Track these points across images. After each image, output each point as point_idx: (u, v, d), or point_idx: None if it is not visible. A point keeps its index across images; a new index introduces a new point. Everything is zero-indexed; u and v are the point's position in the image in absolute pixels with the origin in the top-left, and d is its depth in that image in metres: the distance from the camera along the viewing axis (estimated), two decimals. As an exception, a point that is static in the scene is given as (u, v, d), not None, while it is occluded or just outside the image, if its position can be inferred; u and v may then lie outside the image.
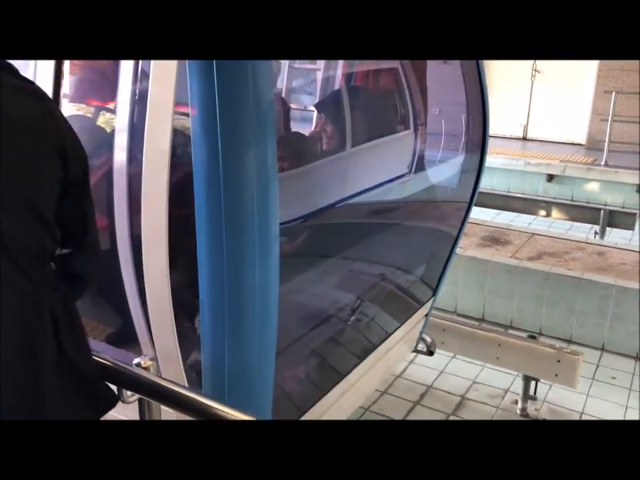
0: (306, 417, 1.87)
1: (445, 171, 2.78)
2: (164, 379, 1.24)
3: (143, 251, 1.28)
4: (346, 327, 2.22)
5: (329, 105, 2.35)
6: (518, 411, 2.78)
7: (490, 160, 3.03)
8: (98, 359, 1.16)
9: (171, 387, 1.14)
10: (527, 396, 2.75)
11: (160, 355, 1.38)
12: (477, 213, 3.80)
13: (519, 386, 2.81)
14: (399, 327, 2.40)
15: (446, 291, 3.18)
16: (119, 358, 1.20)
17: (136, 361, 1.23)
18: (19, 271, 0.91)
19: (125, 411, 1.24)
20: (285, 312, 1.75)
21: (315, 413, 1.91)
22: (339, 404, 2.06)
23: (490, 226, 4.19)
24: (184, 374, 1.38)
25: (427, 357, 2.66)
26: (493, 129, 2.58)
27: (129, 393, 1.20)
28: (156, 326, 1.36)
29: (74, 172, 0.99)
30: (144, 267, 1.29)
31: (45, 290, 0.95)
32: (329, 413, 1.98)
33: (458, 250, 2.89)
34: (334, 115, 2.26)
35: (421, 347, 2.67)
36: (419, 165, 2.58)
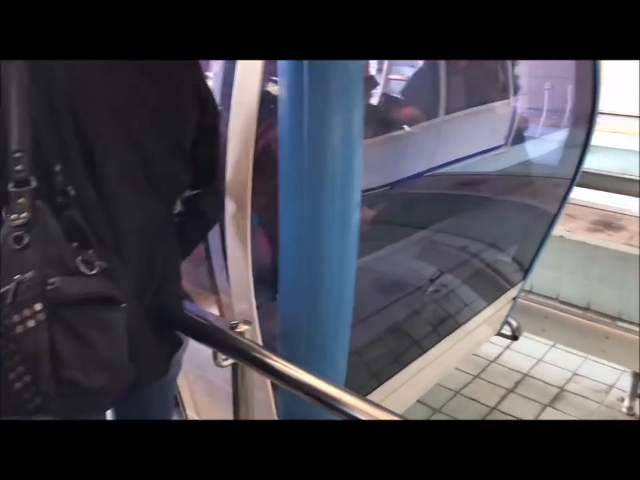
0: (381, 390, 1.86)
1: (544, 146, 2.61)
2: (259, 345, 1.24)
3: (226, 216, 1.30)
4: (429, 302, 2.18)
5: (423, 69, 2.26)
6: (624, 409, 2.62)
7: (603, 138, 2.79)
8: (194, 318, 1.18)
9: (266, 354, 1.13)
10: (635, 394, 2.57)
11: (238, 314, 1.41)
12: (587, 195, 3.53)
13: (626, 382, 2.64)
14: (485, 307, 2.32)
15: (548, 276, 3.03)
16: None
17: (232, 323, 1.22)
18: (170, 209, 1.06)
19: (219, 373, 1.25)
20: (367, 282, 1.75)
21: (391, 386, 1.90)
22: (416, 379, 2.03)
23: (601, 209, 3.85)
24: (260, 340, 1.40)
25: (524, 343, 2.55)
26: (608, 106, 2.37)
27: (222, 356, 1.20)
28: (236, 291, 1.38)
29: (208, 118, 1.07)
30: (226, 231, 1.31)
31: (167, 219, 1.10)
32: (405, 387, 1.96)
33: (564, 233, 2.72)
34: (428, 79, 2.17)
35: (506, 330, 2.57)
36: (517, 137, 2.44)
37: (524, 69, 2.43)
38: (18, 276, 0.82)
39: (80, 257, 0.88)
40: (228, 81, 1.28)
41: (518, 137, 2.46)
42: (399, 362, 2.00)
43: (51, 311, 0.82)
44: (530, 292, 2.98)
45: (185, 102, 1.03)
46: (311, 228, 1.25)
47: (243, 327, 1.20)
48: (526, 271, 2.49)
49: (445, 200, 2.15)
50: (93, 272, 0.89)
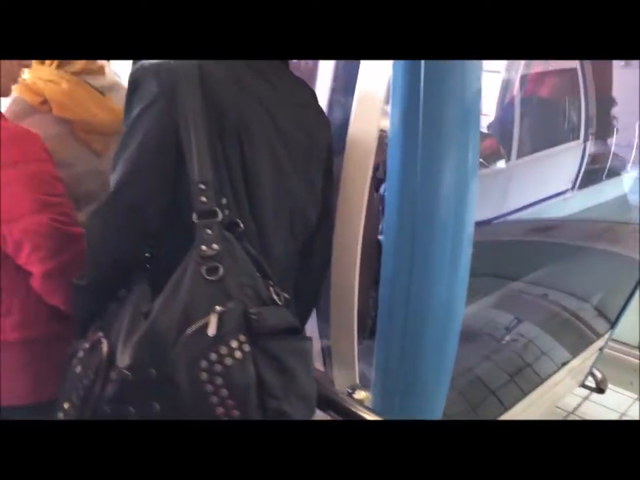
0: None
1: (621, 187, 2.52)
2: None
3: (334, 244, 1.24)
4: (510, 354, 2.06)
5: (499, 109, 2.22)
6: None
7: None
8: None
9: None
10: None
11: (336, 354, 1.32)
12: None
13: None
14: (571, 359, 2.18)
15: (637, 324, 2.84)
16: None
17: (349, 389, 1.18)
18: (297, 248, 1.05)
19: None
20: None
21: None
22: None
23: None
24: (357, 379, 1.32)
25: (605, 396, 2.38)
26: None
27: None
28: (337, 333, 1.30)
29: (330, 162, 1.08)
30: (333, 263, 1.25)
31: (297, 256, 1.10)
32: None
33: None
34: (502, 123, 2.13)
35: (589, 382, 2.40)
36: (591, 178, 2.36)
37: (594, 106, 2.38)
38: (219, 307, 0.80)
39: (272, 288, 0.88)
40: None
41: (592, 179, 2.38)
42: (479, 415, 1.87)
43: (254, 341, 0.81)
44: (617, 341, 2.81)
45: (321, 145, 1.04)
46: (419, 267, 1.18)
47: (361, 394, 1.17)
48: (614, 321, 2.35)
49: (521, 247, 2.08)
50: (281, 303, 0.89)
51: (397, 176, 1.16)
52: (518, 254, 2.02)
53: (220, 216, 0.86)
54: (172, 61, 0.87)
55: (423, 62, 1.07)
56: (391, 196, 1.18)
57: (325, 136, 1.05)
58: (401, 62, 1.08)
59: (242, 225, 0.90)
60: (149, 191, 0.88)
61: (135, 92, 0.88)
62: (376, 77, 1.10)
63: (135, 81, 0.88)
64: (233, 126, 0.90)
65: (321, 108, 1.06)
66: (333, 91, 1.35)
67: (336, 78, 1.31)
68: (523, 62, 2.22)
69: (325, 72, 1.31)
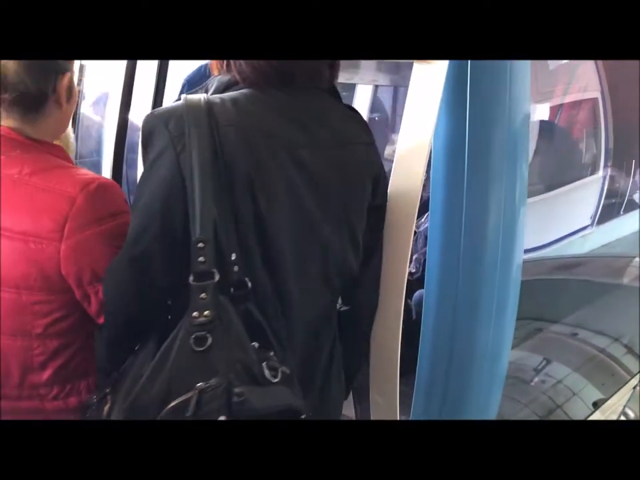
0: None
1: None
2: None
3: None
4: (539, 395, 1.98)
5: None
6: None
7: None
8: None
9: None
10: None
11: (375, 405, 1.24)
12: None
13: None
14: (602, 399, 2.09)
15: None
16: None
17: None
18: (337, 299, 0.97)
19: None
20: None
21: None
22: None
23: None
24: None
25: None
26: None
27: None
28: (378, 374, 1.22)
29: (379, 199, 1.00)
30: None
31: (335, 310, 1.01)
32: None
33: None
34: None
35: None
36: (607, 214, 2.32)
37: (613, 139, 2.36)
38: (201, 383, 0.75)
39: (265, 362, 0.81)
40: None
41: (610, 213, 2.34)
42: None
43: None
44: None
45: (361, 182, 0.96)
46: (464, 310, 1.12)
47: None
48: (647, 359, 2.27)
49: (546, 285, 2.02)
50: (277, 379, 0.81)
51: (440, 212, 1.12)
52: (542, 293, 1.96)
53: (216, 277, 0.80)
54: (182, 107, 0.84)
55: (468, 90, 1.04)
56: (434, 233, 1.13)
57: (371, 172, 0.97)
58: (445, 91, 1.03)
59: (249, 284, 0.84)
60: (160, 245, 0.83)
61: (147, 143, 0.85)
62: (423, 110, 1.04)
63: (146, 131, 0.85)
64: (244, 175, 0.84)
65: (371, 142, 0.98)
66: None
67: (373, 110, 1.27)
68: (540, 91, 2.21)
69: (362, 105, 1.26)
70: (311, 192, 0.89)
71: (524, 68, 1.08)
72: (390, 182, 1.05)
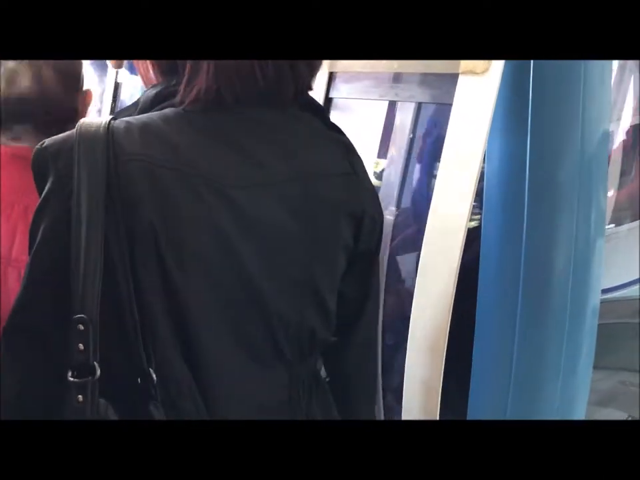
0: None
1: None
2: None
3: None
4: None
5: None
6: None
7: None
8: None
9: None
10: None
11: None
12: None
13: None
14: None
15: None
16: None
17: None
18: (278, 353, 0.75)
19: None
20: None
21: None
22: None
23: None
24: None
25: None
26: None
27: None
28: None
29: (366, 242, 0.80)
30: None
31: (303, 384, 0.78)
32: None
33: None
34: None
35: None
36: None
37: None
38: None
39: None
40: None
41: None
42: None
43: None
44: None
45: (332, 225, 0.75)
46: (523, 368, 0.96)
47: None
48: None
49: (628, 330, 1.78)
50: None
51: (495, 248, 0.96)
52: (625, 338, 1.75)
53: (97, 373, 0.63)
54: (74, 137, 0.66)
55: (530, 103, 0.88)
56: (487, 272, 0.97)
57: (351, 210, 0.76)
58: (501, 106, 0.89)
59: (154, 377, 0.65)
60: (49, 316, 0.66)
61: (37, 184, 0.68)
62: (471, 130, 0.89)
63: (35, 169, 0.68)
64: (146, 227, 0.65)
65: (351, 171, 0.77)
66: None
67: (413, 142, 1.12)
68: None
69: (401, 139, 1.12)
70: (249, 246, 0.70)
71: (603, 71, 0.92)
72: (430, 213, 0.90)
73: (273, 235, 0.70)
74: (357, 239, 0.77)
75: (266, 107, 0.72)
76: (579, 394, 1.02)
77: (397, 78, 1.04)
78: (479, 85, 0.87)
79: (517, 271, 0.94)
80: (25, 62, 0.89)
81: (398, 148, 1.16)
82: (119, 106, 1.75)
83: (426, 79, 0.99)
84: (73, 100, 0.94)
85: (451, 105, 0.93)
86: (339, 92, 1.11)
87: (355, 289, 0.80)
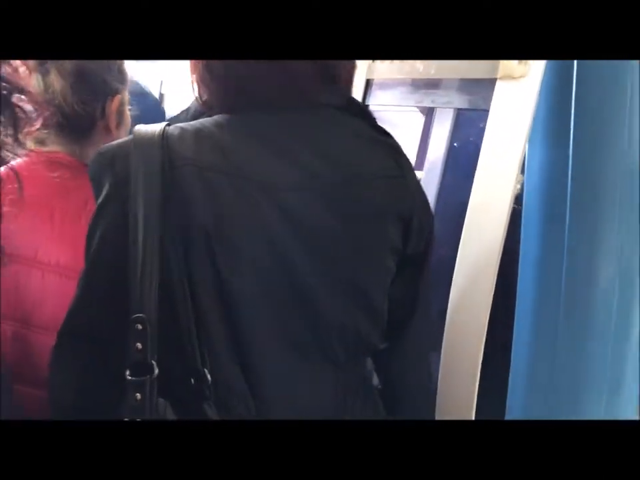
0: None
1: None
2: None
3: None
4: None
5: None
6: None
7: None
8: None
9: None
10: None
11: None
12: None
13: None
14: None
15: None
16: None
17: None
18: (327, 356, 0.75)
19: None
20: None
21: None
22: None
23: None
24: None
25: None
26: None
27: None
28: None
29: (415, 245, 0.78)
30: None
31: (350, 387, 0.78)
32: None
33: None
34: None
35: None
36: None
37: None
38: None
39: None
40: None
41: None
42: None
43: None
44: None
45: (380, 228, 0.75)
46: (564, 396, 0.92)
47: None
48: None
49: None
50: None
51: (533, 263, 0.93)
52: None
53: (155, 372, 0.64)
54: (130, 143, 0.69)
55: (572, 110, 0.85)
56: (525, 292, 0.94)
57: (398, 213, 0.75)
58: (541, 114, 0.86)
59: (209, 377, 0.67)
60: (106, 318, 0.69)
61: (94, 190, 0.71)
62: (508, 138, 0.85)
63: (91, 175, 0.71)
64: (200, 230, 0.67)
65: (398, 174, 0.76)
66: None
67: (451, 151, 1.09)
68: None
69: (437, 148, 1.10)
70: (298, 247, 0.71)
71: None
72: (464, 226, 0.87)
73: (322, 237, 0.71)
74: (405, 242, 0.76)
75: (308, 110, 0.73)
76: (625, 409, 0.96)
77: (433, 84, 1.01)
78: (517, 90, 0.84)
79: (558, 285, 0.90)
80: (36, 65, 0.87)
81: (435, 157, 1.13)
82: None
83: (463, 85, 0.97)
84: (91, 106, 0.91)
85: (488, 110, 0.90)
86: (376, 99, 1.10)
87: (404, 293, 0.79)
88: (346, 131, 0.76)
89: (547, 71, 0.83)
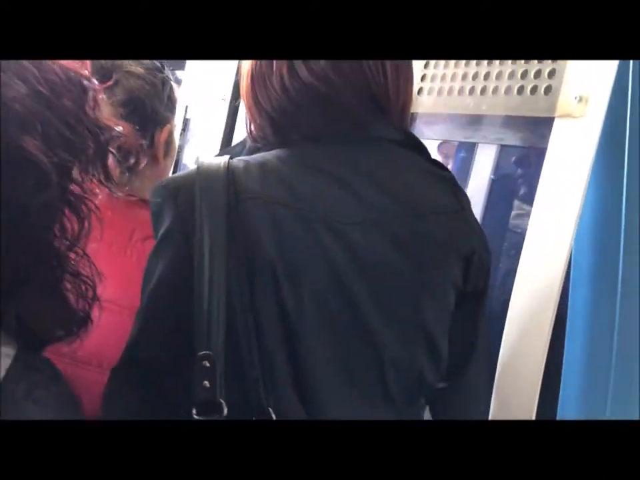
0: None
1: None
2: None
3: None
4: None
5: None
6: None
7: None
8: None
9: None
10: None
11: None
12: None
13: None
14: None
15: None
16: None
17: None
18: (386, 395, 0.74)
19: None
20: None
21: None
22: None
23: None
24: None
25: None
26: None
27: None
28: None
29: (474, 282, 0.77)
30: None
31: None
32: None
33: None
34: None
35: None
36: None
37: None
38: None
39: None
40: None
41: None
42: None
43: None
44: None
45: (442, 266, 0.73)
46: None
47: None
48: None
49: None
50: None
51: (585, 308, 0.88)
52: None
53: (225, 411, 0.63)
54: (195, 175, 0.69)
55: (627, 145, 0.83)
56: (574, 338, 0.88)
57: (460, 249, 0.75)
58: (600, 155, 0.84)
59: (273, 416, 0.65)
60: (164, 352, 0.68)
61: (155, 222, 0.70)
62: (569, 179, 0.83)
63: (153, 207, 0.70)
64: (266, 264, 0.66)
65: (459, 208, 0.76)
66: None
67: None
68: None
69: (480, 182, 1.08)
70: (361, 283, 0.69)
71: None
72: (519, 268, 0.85)
73: (385, 272, 0.71)
74: (465, 278, 0.75)
75: (365, 143, 0.73)
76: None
77: (481, 120, 1.00)
78: (577, 129, 0.82)
79: (609, 344, 0.87)
80: None
81: (476, 192, 1.12)
82: (186, 140, 1.77)
83: (513, 121, 0.96)
84: (141, 136, 0.90)
85: (538, 148, 0.89)
86: (420, 133, 1.09)
87: (463, 331, 0.78)
88: (404, 165, 0.75)
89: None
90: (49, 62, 0.51)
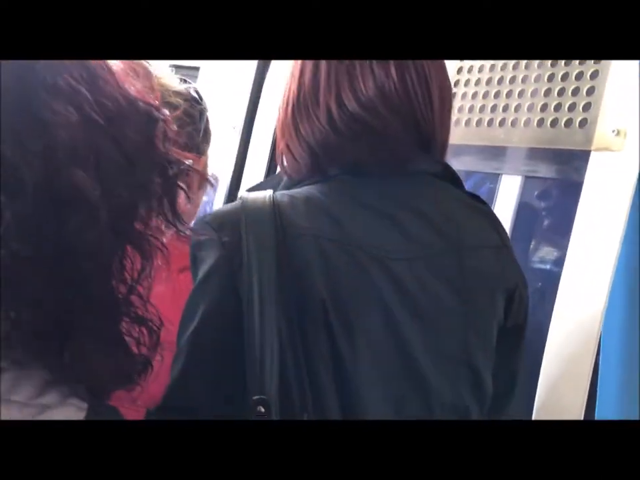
0: None
1: None
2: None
3: None
4: None
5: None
6: None
7: None
8: None
9: None
10: None
11: None
12: None
13: None
14: None
15: None
16: None
17: None
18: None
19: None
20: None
21: None
22: None
23: None
24: None
25: None
26: None
27: None
28: None
29: (515, 318, 0.76)
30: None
31: None
32: None
33: None
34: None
35: None
36: None
37: None
38: None
39: None
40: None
41: None
42: None
43: None
44: None
45: (488, 300, 0.72)
46: None
47: None
48: None
49: None
50: None
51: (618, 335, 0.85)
52: None
53: None
54: (239, 210, 0.66)
55: None
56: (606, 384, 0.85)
57: (503, 284, 0.74)
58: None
59: None
60: (208, 396, 0.65)
61: (196, 257, 0.67)
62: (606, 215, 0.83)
63: (194, 242, 0.67)
64: (317, 303, 0.64)
65: (502, 244, 0.75)
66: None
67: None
68: None
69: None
70: (410, 319, 0.68)
71: None
72: (557, 303, 0.84)
73: (433, 310, 0.69)
74: (507, 314, 0.74)
75: (405, 176, 0.72)
76: None
77: (509, 152, 1.00)
78: (615, 163, 0.82)
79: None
80: None
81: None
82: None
83: (544, 154, 0.95)
84: (204, 170, 0.90)
85: (571, 181, 0.89)
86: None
87: (504, 367, 0.76)
88: (445, 198, 0.74)
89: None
90: (108, 87, 0.47)
